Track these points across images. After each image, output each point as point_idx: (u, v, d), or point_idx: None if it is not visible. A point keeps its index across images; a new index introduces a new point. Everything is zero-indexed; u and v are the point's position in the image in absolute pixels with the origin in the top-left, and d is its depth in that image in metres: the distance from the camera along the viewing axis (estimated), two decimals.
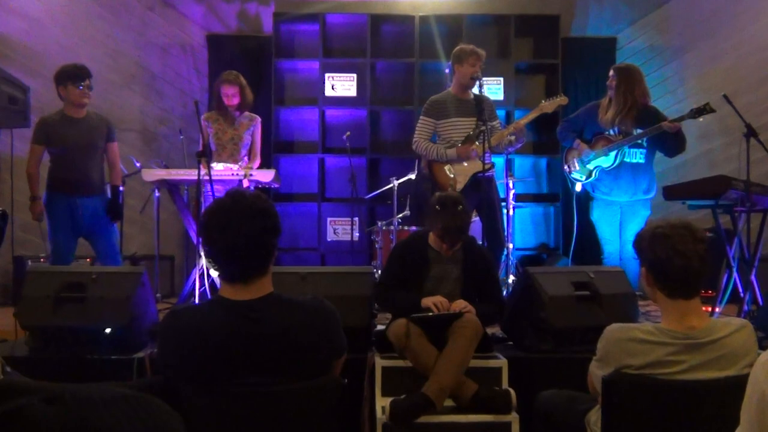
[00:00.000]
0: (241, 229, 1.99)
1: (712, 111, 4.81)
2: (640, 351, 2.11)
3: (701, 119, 4.88)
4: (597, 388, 2.24)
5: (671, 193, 4.60)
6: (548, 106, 5.14)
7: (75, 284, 3.67)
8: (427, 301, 3.56)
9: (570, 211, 7.39)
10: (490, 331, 3.92)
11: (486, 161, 4.78)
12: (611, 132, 5.14)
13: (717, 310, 4.41)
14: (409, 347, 3.36)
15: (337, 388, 2.03)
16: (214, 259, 2.08)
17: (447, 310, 3.51)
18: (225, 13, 7.70)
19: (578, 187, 5.33)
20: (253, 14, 7.74)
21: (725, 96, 4.52)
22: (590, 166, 5.20)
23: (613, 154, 5.10)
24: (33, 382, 2.14)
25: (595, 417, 2.31)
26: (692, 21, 7.16)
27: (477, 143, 4.97)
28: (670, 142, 5.04)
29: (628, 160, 5.11)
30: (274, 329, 1.99)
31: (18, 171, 4.57)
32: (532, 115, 5.15)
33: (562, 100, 5.18)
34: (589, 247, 5.56)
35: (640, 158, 5.13)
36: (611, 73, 5.20)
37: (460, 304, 3.54)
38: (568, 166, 5.35)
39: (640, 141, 5.08)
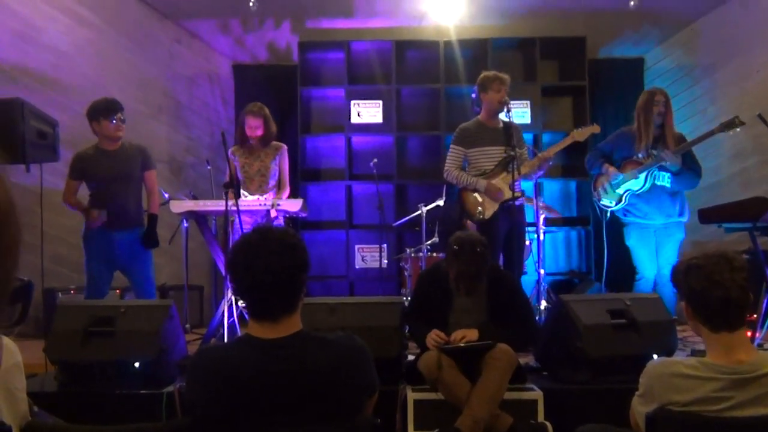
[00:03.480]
0: (269, 265, 1.94)
1: (742, 124, 4.72)
2: (685, 387, 2.02)
3: (731, 133, 4.80)
4: (640, 425, 2.15)
5: (706, 216, 4.49)
6: (580, 134, 5.11)
7: (104, 318, 3.67)
8: (456, 335, 3.49)
9: (600, 235, 7.34)
10: (523, 360, 3.85)
11: (516, 189, 4.73)
12: (639, 155, 5.06)
13: (758, 335, 4.28)
14: (441, 379, 3.29)
15: (371, 428, 1.97)
16: (242, 296, 2.04)
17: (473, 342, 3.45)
18: (251, 43, 7.75)
19: (608, 215, 5.24)
20: (279, 43, 7.79)
21: (760, 115, 4.42)
22: (620, 191, 5.11)
23: (642, 176, 5.02)
24: (62, 424, 2.12)
25: None
26: (721, 39, 7.06)
27: (506, 172, 4.91)
28: (683, 171, 4.99)
29: (659, 183, 5.03)
30: (304, 368, 1.94)
31: (47, 204, 4.59)
32: (564, 144, 5.11)
33: (594, 128, 5.14)
34: (622, 273, 5.46)
35: (668, 182, 5.05)
36: (662, 96, 5.05)
37: (458, 335, 3.47)
38: (597, 193, 5.26)
39: (666, 164, 4.98)
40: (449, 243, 3.68)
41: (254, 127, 5.25)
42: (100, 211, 4.76)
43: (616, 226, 5.32)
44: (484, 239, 3.68)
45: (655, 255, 5.08)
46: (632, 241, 5.15)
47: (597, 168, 5.25)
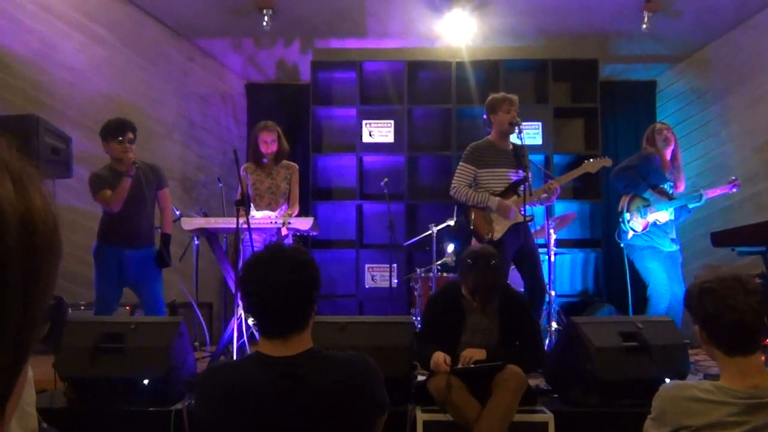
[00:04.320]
0: (279, 283, 1.94)
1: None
2: (698, 411, 1.99)
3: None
4: None
5: (719, 239, 4.49)
6: (592, 166, 5.15)
7: (114, 335, 3.67)
8: (467, 353, 3.47)
9: (613, 258, 7.31)
10: (533, 382, 3.82)
11: (526, 213, 4.73)
12: (666, 186, 5.19)
13: None
14: (451, 401, 3.26)
15: None
16: (252, 314, 2.04)
17: (482, 361, 3.42)
18: (263, 62, 7.80)
19: (629, 236, 5.29)
20: (291, 63, 7.84)
21: None
22: (649, 219, 5.18)
23: (672, 210, 5.15)
24: None
25: None
26: (734, 63, 7.06)
27: (516, 195, 4.91)
28: None
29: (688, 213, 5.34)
30: (314, 386, 1.93)
31: (60, 220, 4.61)
32: (574, 175, 5.17)
33: (606, 161, 5.20)
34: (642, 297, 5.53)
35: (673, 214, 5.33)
36: (669, 131, 5.26)
37: (467, 355, 3.44)
38: (629, 215, 5.28)
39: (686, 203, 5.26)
40: (463, 257, 3.68)
41: (269, 142, 5.24)
42: (128, 168, 4.66)
43: (632, 251, 5.36)
44: (496, 252, 3.68)
45: (671, 280, 5.17)
46: (653, 264, 5.22)
47: (640, 189, 5.29)
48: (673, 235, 5.27)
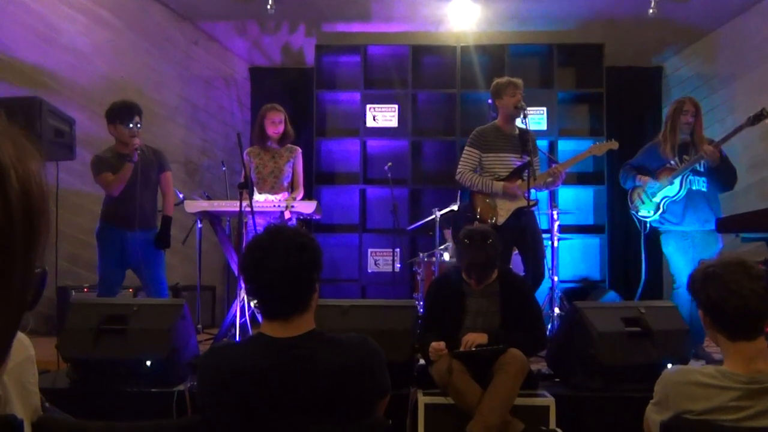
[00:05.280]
0: (279, 265, 1.94)
1: None
2: (701, 395, 1.99)
3: (760, 125, 4.73)
4: None
5: (724, 225, 4.45)
6: (599, 148, 5.10)
7: (116, 316, 3.68)
8: (468, 338, 3.47)
9: (616, 244, 7.28)
10: (535, 367, 3.82)
11: (530, 198, 4.70)
12: (671, 162, 4.98)
13: None
14: (452, 384, 3.27)
15: (382, 429, 1.95)
16: (254, 296, 2.03)
17: (483, 345, 3.42)
18: (267, 46, 7.77)
19: (647, 226, 5.13)
20: (296, 47, 7.81)
21: None
22: (657, 199, 5.01)
23: (678, 181, 4.91)
24: (72, 421, 2.12)
25: None
26: (741, 48, 7.00)
27: (521, 180, 4.88)
28: (722, 168, 4.89)
29: (695, 188, 4.93)
30: (316, 368, 1.93)
31: (63, 203, 4.62)
32: (580, 158, 5.12)
33: (613, 144, 5.11)
34: (657, 286, 5.37)
35: (704, 186, 4.95)
36: (692, 106, 4.98)
37: (468, 339, 3.46)
38: (635, 206, 5.16)
39: (700, 168, 4.91)
40: (460, 237, 3.68)
41: (277, 123, 5.21)
42: (128, 164, 4.67)
43: (654, 238, 5.20)
44: (494, 232, 3.67)
45: (692, 264, 4.95)
46: (670, 248, 5.01)
47: (631, 182, 5.16)
48: (708, 212, 4.90)
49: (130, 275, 5.02)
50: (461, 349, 3.43)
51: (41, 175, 0.64)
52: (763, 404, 1.95)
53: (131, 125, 4.68)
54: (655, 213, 5.02)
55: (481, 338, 3.46)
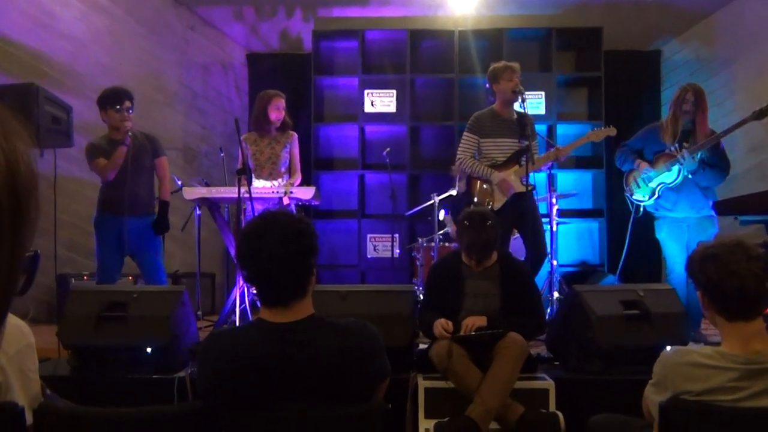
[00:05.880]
0: (274, 252, 1.93)
1: None
2: (699, 376, 2.00)
3: (765, 120, 4.70)
4: (653, 414, 2.13)
5: (722, 208, 4.44)
6: (596, 134, 5.10)
7: (116, 303, 3.68)
8: (467, 321, 3.48)
9: (615, 228, 7.27)
10: (535, 350, 3.83)
11: (528, 183, 4.70)
12: (672, 148, 4.96)
13: None
14: (452, 368, 3.28)
15: (382, 413, 1.96)
16: (251, 283, 2.03)
17: (483, 329, 3.43)
18: (265, 31, 7.74)
19: (641, 210, 5.12)
20: (293, 32, 7.77)
21: None
22: (653, 184, 5.01)
23: (675, 168, 4.91)
24: (74, 407, 2.12)
25: None
26: (739, 32, 6.98)
27: (518, 165, 4.88)
28: (716, 159, 4.88)
29: (691, 176, 4.92)
30: (315, 353, 1.93)
31: (61, 190, 4.61)
32: (578, 144, 5.12)
33: (611, 131, 5.11)
34: (643, 267, 5.36)
35: (700, 178, 4.94)
36: (692, 95, 4.92)
37: (468, 322, 3.46)
38: (630, 188, 5.15)
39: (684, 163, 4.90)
40: (459, 219, 3.69)
41: (281, 108, 5.23)
42: (122, 147, 4.70)
43: (645, 221, 5.19)
44: (493, 214, 3.69)
45: (686, 250, 4.96)
46: (663, 234, 5.02)
47: (629, 164, 5.13)
48: (702, 200, 4.89)
49: (130, 262, 5.03)
50: (461, 333, 3.44)
51: (29, 154, 0.63)
52: (761, 384, 1.97)
53: (120, 108, 4.68)
54: (650, 198, 5.02)
55: (480, 321, 3.47)
